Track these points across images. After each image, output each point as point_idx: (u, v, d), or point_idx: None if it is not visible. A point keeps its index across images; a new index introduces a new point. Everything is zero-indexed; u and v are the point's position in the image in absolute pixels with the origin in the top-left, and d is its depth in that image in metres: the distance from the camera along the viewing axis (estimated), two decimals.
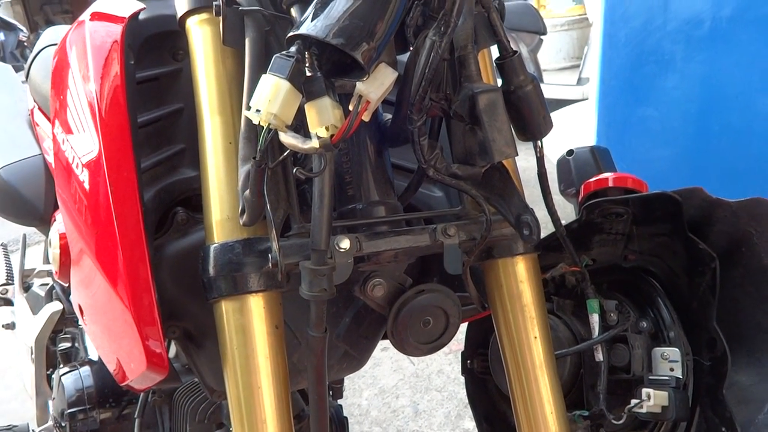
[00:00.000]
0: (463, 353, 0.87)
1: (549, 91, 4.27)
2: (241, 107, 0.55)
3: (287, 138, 0.49)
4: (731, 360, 0.67)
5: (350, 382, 2.07)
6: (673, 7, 2.23)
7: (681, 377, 0.70)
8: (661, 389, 0.68)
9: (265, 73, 0.48)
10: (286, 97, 0.47)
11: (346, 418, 1.11)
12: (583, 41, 5.27)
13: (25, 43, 2.30)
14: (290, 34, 0.49)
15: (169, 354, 0.79)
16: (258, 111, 0.48)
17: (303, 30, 0.49)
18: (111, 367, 0.67)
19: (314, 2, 0.50)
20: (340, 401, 1.17)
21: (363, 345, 0.76)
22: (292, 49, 0.49)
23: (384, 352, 2.15)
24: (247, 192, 0.52)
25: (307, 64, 0.50)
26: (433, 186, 0.77)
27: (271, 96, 0.47)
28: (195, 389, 0.95)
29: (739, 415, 0.66)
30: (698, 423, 0.71)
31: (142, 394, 0.97)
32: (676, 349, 0.71)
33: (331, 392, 1.15)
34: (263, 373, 0.55)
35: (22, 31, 2.35)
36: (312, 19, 0.49)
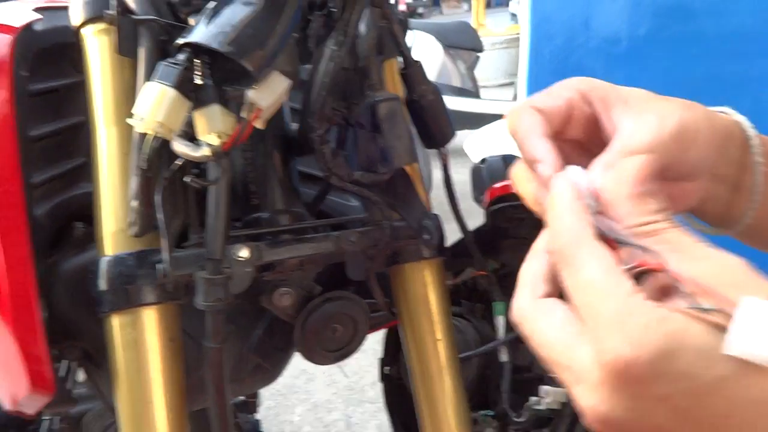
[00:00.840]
0: (381, 360, 0.88)
1: (486, 106, 4.38)
2: None
3: (178, 146, 0.49)
4: None
5: (283, 398, 2.04)
6: (594, 26, 2.34)
7: None
8: (560, 386, 0.70)
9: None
10: (171, 104, 0.47)
11: None
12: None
13: None
14: (179, 41, 0.49)
15: (77, 378, 0.75)
16: (142, 119, 0.47)
17: (193, 38, 0.48)
18: (1, 393, 0.64)
19: (205, 10, 0.50)
20: (273, 418, 1.15)
21: (277, 357, 0.75)
22: (181, 56, 0.48)
23: (317, 367, 2.13)
24: (136, 202, 0.51)
25: (198, 72, 0.49)
26: (350, 195, 0.77)
27: (155, 104, 0.47)
28: (105, 413, 0.91)
29: None
30: None
31: (43, 421, 0.92)
32: None
33: (247, 407, 1.13)
34: (156, 387, 0.53)
35: None
36: (204, 27, 0.49)
